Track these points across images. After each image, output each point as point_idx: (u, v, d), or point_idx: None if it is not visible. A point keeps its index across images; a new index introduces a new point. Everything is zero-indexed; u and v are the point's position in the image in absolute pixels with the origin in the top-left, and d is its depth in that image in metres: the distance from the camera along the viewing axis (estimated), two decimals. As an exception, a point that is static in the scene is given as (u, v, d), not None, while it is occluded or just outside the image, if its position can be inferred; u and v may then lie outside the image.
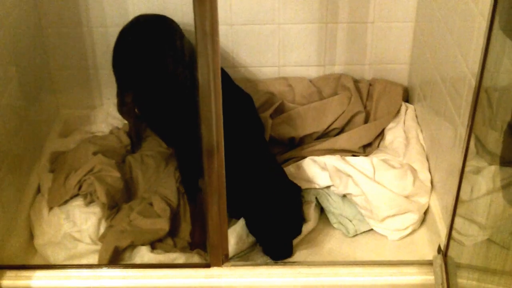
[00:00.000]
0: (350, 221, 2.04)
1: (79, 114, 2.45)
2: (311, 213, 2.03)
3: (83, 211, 2.00)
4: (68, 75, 2.44)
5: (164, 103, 2.00)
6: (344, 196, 2.07)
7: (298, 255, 1.95)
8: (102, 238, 1.94)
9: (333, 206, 2.07)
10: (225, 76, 2.06)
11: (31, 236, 1.99)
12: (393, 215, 2.01)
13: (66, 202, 2.04)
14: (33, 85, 2.24)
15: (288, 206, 1.94)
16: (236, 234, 1.92)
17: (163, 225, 1.97)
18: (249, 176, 1.90)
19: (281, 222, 1.90)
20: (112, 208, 2.03)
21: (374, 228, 2.04)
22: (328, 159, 2.10)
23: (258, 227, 1.91)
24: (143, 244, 1.91)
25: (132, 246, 1.91)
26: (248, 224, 1.94)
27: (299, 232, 1.95)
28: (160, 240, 1.96)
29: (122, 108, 2.27)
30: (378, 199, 2.00)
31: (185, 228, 2.03)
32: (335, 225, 2.05)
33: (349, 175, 2.05)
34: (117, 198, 2.06)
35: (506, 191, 1.44)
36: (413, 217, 2.01)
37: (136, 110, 2.26)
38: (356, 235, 2.04)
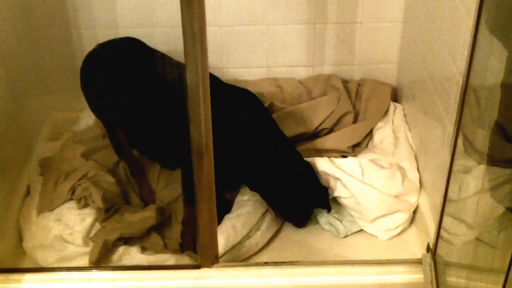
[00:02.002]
0: (341, 222, 2.04)
1: (69, 116, 2.43)
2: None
3: (76, 213, 1.98)
4: (57, 77, 2.42)
5: (150, 115, 1.97)
6: (333, 198, 2.07)
7: (289, 256, 1.96)
8: (93, 238, 1.93)
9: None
10: (215, 79, 2.05)
11: (21, 239, 1.98)
12: (383, 215, 2.01)
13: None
14: (21, 87, 2.23)
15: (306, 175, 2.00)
16: (225, 235, 1.91)
17: (151, 213, 1.97)
18: (270, 154, 1.97)
19: (303, 188, 1.97)
20: (107, 211, 2.02)
21: (364, 229, 2.04)
22: (316, 162, 2.10)
23: (280, 196, 1.97)
24: (132, 236, 1.91)
25: (123, 246, 1.90)
26: (268, 196, 1.99)
27: (325, 201, 2.01)
28: (149, 232, 1.96)
29: (117, 145, 2.17)
30: (368, 200, 2.01)
31: (177, 229, 2.02)
32: (325, 227, 2.05)
33: (337, 178, 2.05)
34: (113, 202, 2.05)
35: (494, 190, 1.44)
36: (403, 217, 2.01)
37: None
38: (347, 235, 2.04)
